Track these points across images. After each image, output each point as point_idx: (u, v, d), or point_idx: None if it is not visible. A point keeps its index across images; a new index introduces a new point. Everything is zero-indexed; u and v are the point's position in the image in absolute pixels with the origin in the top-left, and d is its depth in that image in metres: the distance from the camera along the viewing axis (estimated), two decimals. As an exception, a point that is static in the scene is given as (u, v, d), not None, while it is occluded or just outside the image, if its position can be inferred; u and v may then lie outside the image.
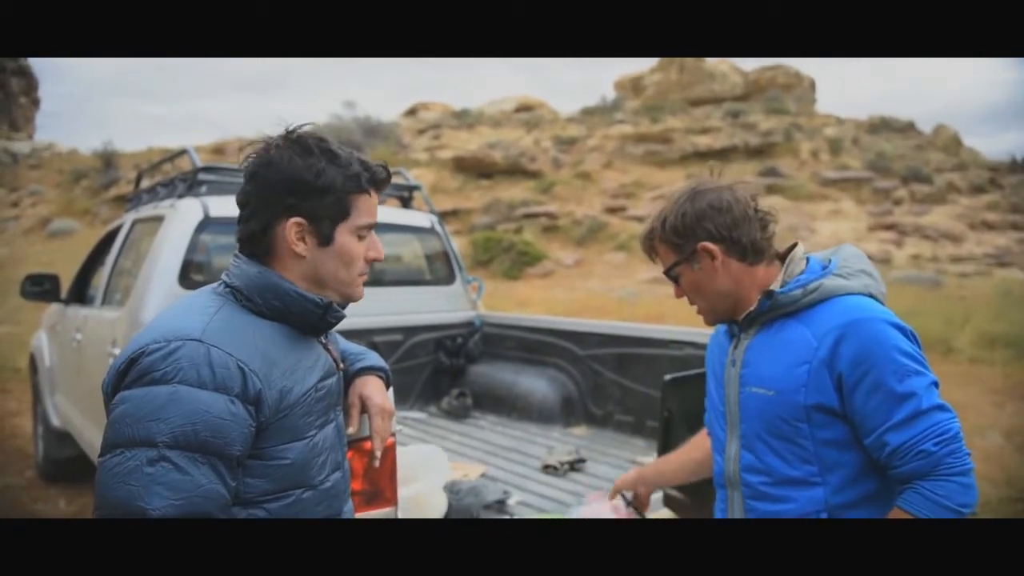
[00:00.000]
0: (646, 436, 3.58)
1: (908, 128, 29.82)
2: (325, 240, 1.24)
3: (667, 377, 2.48)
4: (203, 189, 3.50)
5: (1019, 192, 21.60)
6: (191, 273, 3.26)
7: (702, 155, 23.65)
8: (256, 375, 1.12)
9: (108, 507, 1.01)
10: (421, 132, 28.32)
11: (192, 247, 3.24)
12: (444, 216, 6.78)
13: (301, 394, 1.19)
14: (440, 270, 4.52)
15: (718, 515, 1.62)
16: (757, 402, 1.45)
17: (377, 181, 1.28)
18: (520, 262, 15.98)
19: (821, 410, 1.37)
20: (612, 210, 19.61)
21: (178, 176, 3.75)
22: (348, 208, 1.24)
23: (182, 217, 3.27)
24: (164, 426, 1.02)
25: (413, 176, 4.68)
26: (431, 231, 4.43)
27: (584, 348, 4.04)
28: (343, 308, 1.32)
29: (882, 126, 29.29)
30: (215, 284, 1.29)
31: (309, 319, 1.24)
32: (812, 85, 34.14)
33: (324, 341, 1.34)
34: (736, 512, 1.53)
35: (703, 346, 1.86)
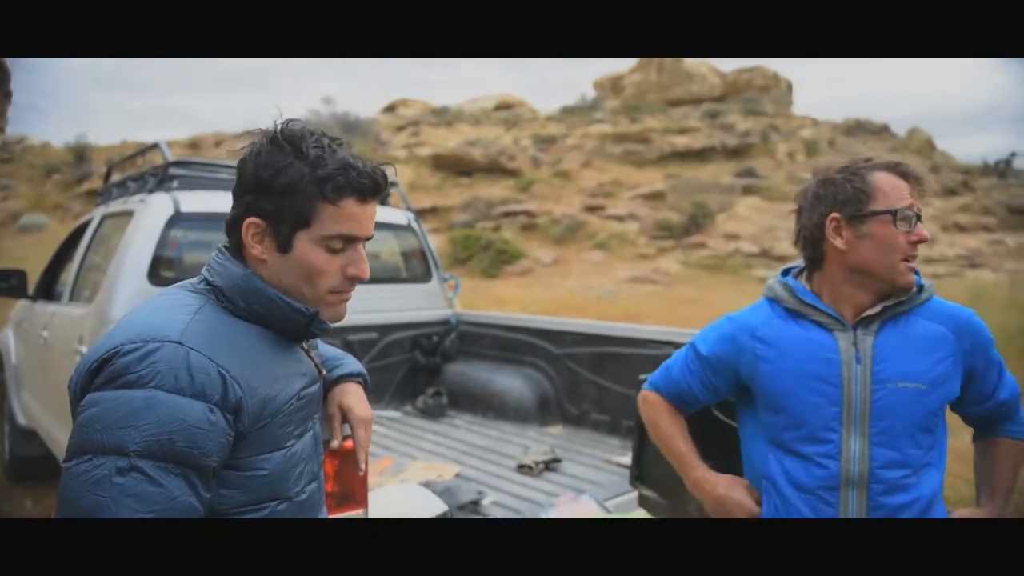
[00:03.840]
0: (622, 435, 3.58)
1: (883, 131, 30.22)
2: (283, 246, 1.12)
3: (642, 376, 2.47)
4: (174, 184, 3.44)
5: (991, 195, 21.96)
6: (161, 270, 3.20)
7: (680, 155, 23.80)
8: (237, 382, 1.04)
9: (73, 515, 0.95)
10: (400, 129, 28.21)
11: (162, 243, 3.18)
12: (422, 214, 6.74)
13: (283, 403, 1.12)
14: (416, 268, 4.49)
15: (801, 510, 1.52)
16: (906, 397, 1.46)
17: (356, 188, 1.11)
18: (498, 260, 15.97)
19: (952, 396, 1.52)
20: (591, 209, 19.66)
21: (149, 170, 3.68)
22: (307, 215, 1.10)
23: (152, 212, 3.21)
24: (137, 434, 0.95)
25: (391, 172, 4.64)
26: (408, 228, 4.39)
27: (560, 347, 4.03)
28: None
29: (857, 128, 29.64)
30: (195, 280, 1.19)
31: (293, 327, 1.16)
32: (789, 87, 34.48)
33: (306, 347, 1.25)
34: (855, 512, 1.47)
35: (680, 345, 1.83)
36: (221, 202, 3.48)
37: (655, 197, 20.65)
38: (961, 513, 1.60)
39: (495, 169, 22.12)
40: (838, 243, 1.47)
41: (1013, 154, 25.45)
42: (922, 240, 1.44)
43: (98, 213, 4.05)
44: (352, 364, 1.50)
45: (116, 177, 4.44)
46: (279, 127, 1.13)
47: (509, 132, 27.49)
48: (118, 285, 3.07)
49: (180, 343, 1.01)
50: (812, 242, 1.53)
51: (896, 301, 1.49)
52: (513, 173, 22.02)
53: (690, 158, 23.75)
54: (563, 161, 23.34)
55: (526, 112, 32.24)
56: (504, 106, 33.67)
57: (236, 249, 1.17)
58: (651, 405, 1.77)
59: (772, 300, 1.61)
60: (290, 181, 1.09)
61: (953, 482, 4.92)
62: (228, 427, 1.03)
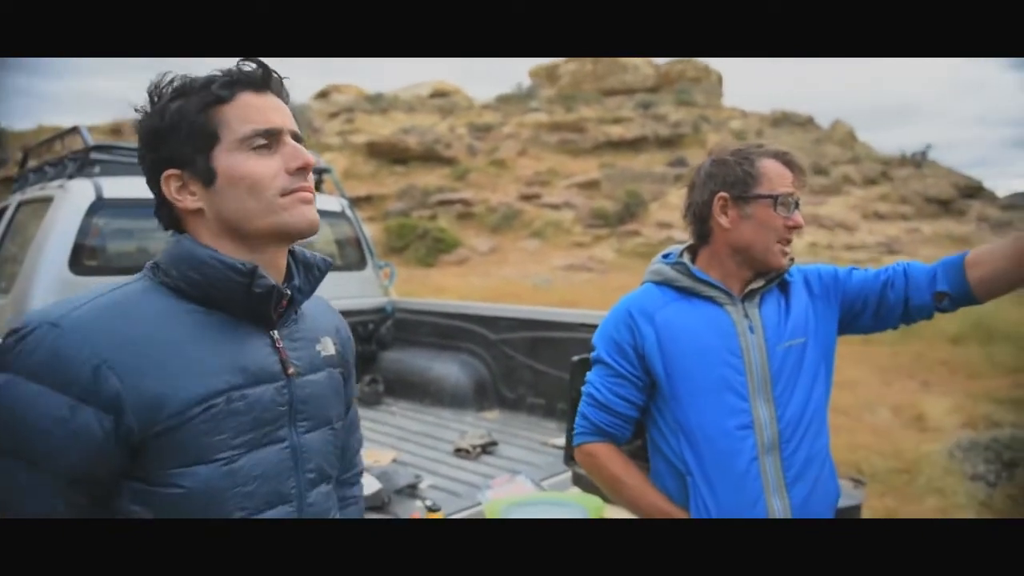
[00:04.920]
0: (557, 418, 3.65)
1: (807, 123, 31.25)
2: (207, 177, 0.97)
3: (575, 358, 2.53)
4: (96, 169, 3.32)
5: (908, 185, 23.00)
6: (83, 258, 3.10)
7: (614, 145, 24.13)
8: (115, 373, 0.87)
9: None
10: (333, 116, 27.74)
11: (84, 231, 3.08)
12: (357, 202, 6.67)
13: (194, 403, 0.91)
14: (351, 255, 4.45)
15: (730, 495, 1.51)
16: (794, 354, 1.55)
17: (244, 79, 0.99)
18: (435, 249, 15.92)
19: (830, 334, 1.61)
20: (527, 198, 19.77)
21: (68, 155, 3.54)
22: (210, 126, 0.97)
23: (72, 199, 3.10)
24: None
25: (324, 160, 4.58)
26: (341, 215, 4.35)
27: (496, 333, 4.06)
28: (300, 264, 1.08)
29: (784, 120, 30.57)
30: None
31: (235, 293, 0.97)
32: (719, 79, 35.27)
33: (276, 337, 1.03)
34: (772, 475, 1.51)
35: None
36: (147, 188, 3.42)
37: (590, 186, 20.91)
38: None
39: (431, 157, 22.01)
40: (723, 221, 1.54)
41: (928, 146, 26.76)
42: (797, 226, 1.52)
43: (14, 200, 3.88)
44: None
45: (33, 163, 4.26)
46: (151, 89, 1.01)
47: (445, 120, 27.35)
48: (37, 275, 2.96)
49: (55, 324, 0.88)
50: (700, 218, 1.59)
51: (776, 274, 1.58)
52: (449, 161, 21.95)
53: (624, 148, 24.11)
54: (499, 150, 23.37)
55: (462, 100, 32.12)
56: (440, 94, 33.45)
57: (175, 226, 1.04)
58: (601, 458, 1.62)
59: (660, 283, 1.62)
60: (176, 109, 0.97)
61: (869, 456, 5.18)
62: (98, 427, 0.87)
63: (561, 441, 3.29)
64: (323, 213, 4.06)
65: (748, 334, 1.54)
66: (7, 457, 0.86)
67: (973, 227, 20.13)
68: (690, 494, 1.52)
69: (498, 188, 20.30)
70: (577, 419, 1.66)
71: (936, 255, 1.76)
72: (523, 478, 2.63)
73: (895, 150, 29.32)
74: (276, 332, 1.03)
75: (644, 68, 33.77)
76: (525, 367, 3.92)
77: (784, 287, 1.62)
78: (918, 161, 25.95)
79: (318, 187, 4.36)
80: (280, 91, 1.04)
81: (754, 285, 1.57)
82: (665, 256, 1.68)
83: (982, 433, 5.48)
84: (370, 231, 4.54)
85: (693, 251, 1.64)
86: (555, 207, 19.39)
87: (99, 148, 3.38)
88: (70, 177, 3.28)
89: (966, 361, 8.24)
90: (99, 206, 3.12)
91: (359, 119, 26.71)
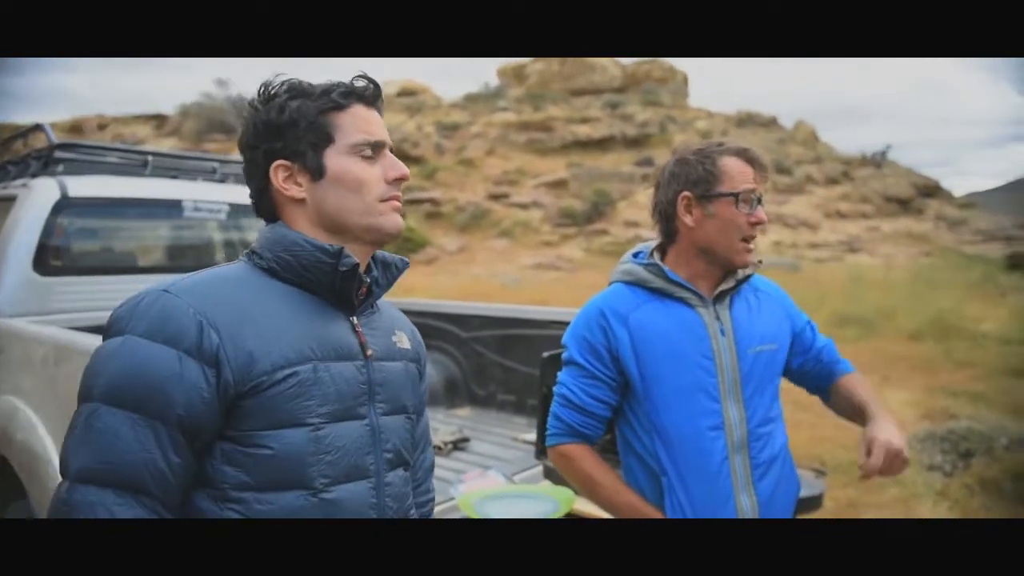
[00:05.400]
0: (528, 414, 3.68)
1: (771, 123, 31.77)
2: (317, 172, 1.08)
3: (545, 354, 2.57)
4: (60, 168, 3.27)
5: (868, 184, 23.50)
6: (48, 258, 3.05)
7: (582, 144, 24.27)
8: (215, 329, 0.96)
9: (59, 463, 0.96)
10: (300, 115, 27.46)
11: (48, 230, 3.03)
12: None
13: (283, 364, 0.99)
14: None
15: (704, 494, 1.54)
16: (764, 359, 1.61)
17: (356, 92, 1.10)
18: (403, 248, 15.86)
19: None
20: (495, 197, 19.81)
21: (32, 153, 3.49)
22: (327, 130, 1.07)
23: (36, 197, 3.05)
24: (102, 379, 0.94)
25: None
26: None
27: (467, 331, 4.09)
28: (384, 257, 1.19)
29: (748, 120, 31.05)
30: None
31: (321, 273, 1.06)
32: (685, 80, 35.67)
33: (355, 322, 1.12)
34: (742, 473, 1.55)
35: None
36: (113, 187, 3.39)
37: (558, 185, 21.02)
38: (869, 433, 1.55)
39: (399, 156, 21.59)
40: (688, 220, 1.55)
41: (888, 147, 27.37)
42: (760, 222, 1.55)
43: (-26, 199, 3.80)
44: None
45: (-7, 161, 4.17)
46: (264, 86, 1.11)
47: (412, 119, 27.25)
48: (0, 275, 2.91)
49: (166, 291, 0.98)
50: (667, 217, 1.60)
51: (744, 275, 1.61)
52: (417, 160, 21.88)
53: (592, 147, 24.28)
54: (467, 149, 23.37)
55: (429, 99, 32.02)
56: (407, 92, 33.30)
57: (270, 215, 1.13)
58: (575, 459, 1.62)
59: (632, 284, 1.62)
60: (296, 107, 1.07)
61: (832, 449, 5.31)
62: (204, 380, 0.94)
63: (531, 436, 3.33)
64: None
65: (720, 336, 1.57)
66: (123, 408, 0.92)
67: (931, 225, 20.66)
68: (665, 493, 1.54)
69: (466, 187, 20.31)
70: (550, 420, 1.65)
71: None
72: (495, 473, 2.66)
73: (856, 150, 29.94)
74: (355, 318, 1.13)
75: (611, 68, 34.01)
76: (495, 364, 3.95)
77: (755, 291, 1.66)
78: (878, 161, 26.54)
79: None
80: (382, 108, 1.15)
81: (724, 286, 1.59)
82: (635, 255, 1.68)
83: (939, 425, 5.64)
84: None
85: (662, 250, 1.65)
86: (523, 206, 19.46)
87: (63, 146, 3.33)
88: (34, 176, 3.22)
89: (924, 357, 8.47)
90: (64, 205, 3.08)
91: (326, 118, 26.50)
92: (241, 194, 4.10)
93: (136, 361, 0.93)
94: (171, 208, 3.46)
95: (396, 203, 1.13)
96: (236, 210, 3.70)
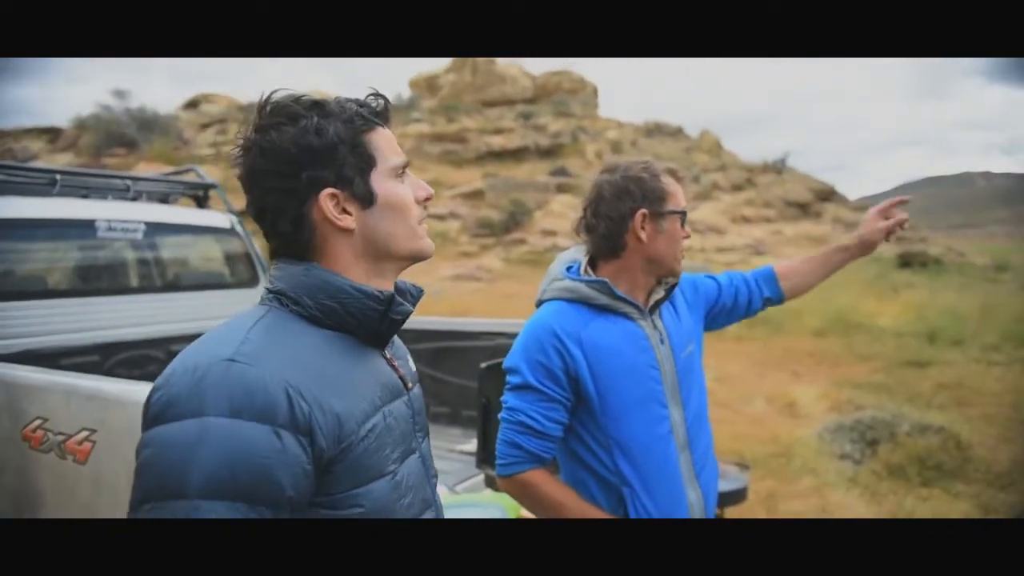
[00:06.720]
0: (463, 425, 3.71)
1: (678, 132, 32.86)
2: (367, 199, 1.00)
3: (483, 365, 2.61)
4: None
5: (770, 190, 24.60)
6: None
7: (497, 155, 24.46)
8: (303, 397, 0.87)
9: None
10: (205, 127, 26.60)
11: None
12: (243, 216, 6.44)
13: (365, 418, 0.95)
14: (242, 272, 4.33)
15: (665, 497, 1.60)
16: (692, 359, 1.72)
17: (379, 112, 1.04)
18: (320, 263, 15.57)
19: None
20: (412, 209, 19.67)
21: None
22: (369, 151, 1.01)
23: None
24: (195, 473, 0.80)
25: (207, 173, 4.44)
26: (231, 232, 4.23)
27: (397, 345, 4.08)
28: (412, 293, 1.14)
29: (656, 130, 32.02)
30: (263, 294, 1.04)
31: (370, 320, 1.00)
32: (595, 91, 36.45)
33: (388, 356, 1.09)
34: (688, 468, 1.65)
35: (513, 335, 1.80)
36: (22, 208, 3.22)
37: (474, 196, 21.10)
38: (866, 217, 1.96)
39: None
40: (642, 235, 1.61)
41: (787, 154, 28.74)
42: (688, 237, 1.69)
43: None
44: None
45: None
46: (267, 106, 0.99)
47: (324, 131, 26.76)
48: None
49: (232, 360, 0.86)
50: (615, 233, 1.61)
51: (671, 284, 1.72)
52: (331, 173, 21.52)
53: (506, 158, 24.50)
54: (382, 161, 23.15)
55: (341, 111, 31.52)
56: (318, 104, 32.68)
57: (305, 251, 1.01)
58: (539, 485, 1.60)
59: (574, 301, 1.63)
60: (335, 131, 0.98)
61: (750, 444, 5.54)
62: (303, 452, 0.86)
63: (467, 447, 3.36)
64: (210, 230, 3.93)
65: (660, 346, 1.65)
66: (227, 499, 0.81)
67: (829, 228, 21.81)
68: (628, 503, 1.59)
69: (382, 199, 20.11)
70: (506, 448, 1.61)
71: (798, 254, 2.05)
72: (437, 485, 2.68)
73: (758, 157, 31.29)
74: (387, 352, 1.09)
75: (522, 79, 34.42)
76: (427, 377, 3.96)
77: (672, 297, 1.76)
78: (779, 168, 27.81)
79: (203, 203, 4.24)
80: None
81: (657, 296, 1.68)
82: (568, 269, 1.70)
83: (847, 416, 5.99)
84: (259, 246, 4.44)
85: (592, 262, 1.69)
86: (441, 217, 19.44)
87: None
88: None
89: (829, 352, 8.96)
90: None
91: (233, 130, 25.69)
92: (157, 212, 3.99)
93: (232, 445, 0.82)
94: (84, 228, 3.33)
95: (425, 224, 1.10)
96: (152, 229, 3.59)
